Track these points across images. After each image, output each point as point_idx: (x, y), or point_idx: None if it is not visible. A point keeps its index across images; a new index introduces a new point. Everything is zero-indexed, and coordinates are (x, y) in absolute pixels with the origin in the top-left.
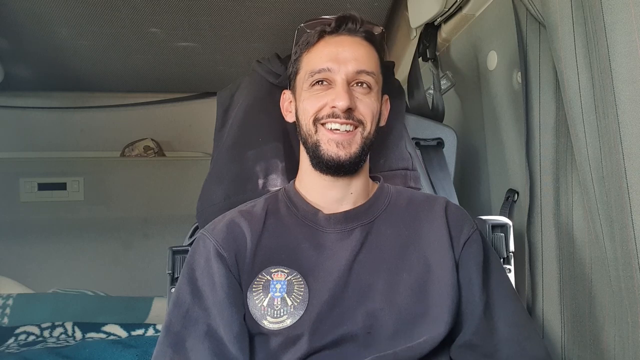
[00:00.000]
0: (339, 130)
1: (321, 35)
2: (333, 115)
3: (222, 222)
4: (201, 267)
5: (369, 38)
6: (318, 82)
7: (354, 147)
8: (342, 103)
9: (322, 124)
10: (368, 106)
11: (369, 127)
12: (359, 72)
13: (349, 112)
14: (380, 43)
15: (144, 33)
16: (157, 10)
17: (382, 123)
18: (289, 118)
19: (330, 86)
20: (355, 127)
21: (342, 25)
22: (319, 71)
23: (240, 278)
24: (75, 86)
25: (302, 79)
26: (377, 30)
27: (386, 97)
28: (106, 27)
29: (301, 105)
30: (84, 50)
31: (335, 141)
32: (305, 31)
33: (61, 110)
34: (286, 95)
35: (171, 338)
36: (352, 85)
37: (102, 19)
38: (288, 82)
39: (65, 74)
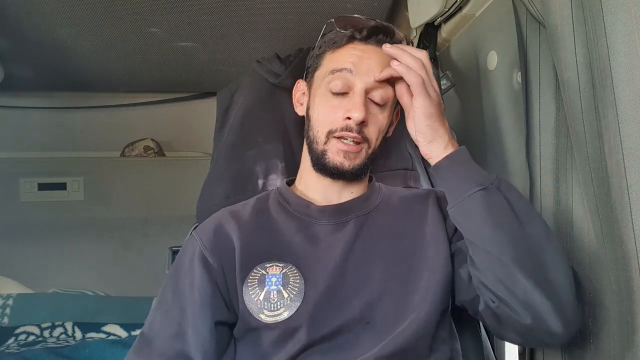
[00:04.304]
0: (347, 141)
1: (350, 39)
2: (347, 129)
3: (210, 224)
4: (185, 268)
5: None
6: (336, 92)
7: (358, 160)
8: (357, 115)
9: (334, 137)
10: (377, 124)
11: (374, 144)
12: (380, 85)
13: (361, 125)
14: None
15: (144, 33)
16: (157, 10)
17: (389, 134)
18: (300, 110)
19: (347, 94)
20: (361, 144)
21: (373, 35)
22: (340, 70)
23: (227, 282)
24: (75, 86)
25: (322, 76)
26: (405, 43)
27: (398, 109)
28: (106, 27)
29: (315, 109)
30: (84, 50)
31: (344, 152)
32: (334, 27)
33: (61, 110)
34: (300, 85)
35: (148, 333)
36: (369, 97)
37: (102, 19)
38: (305, 74)
39: (65, 74)
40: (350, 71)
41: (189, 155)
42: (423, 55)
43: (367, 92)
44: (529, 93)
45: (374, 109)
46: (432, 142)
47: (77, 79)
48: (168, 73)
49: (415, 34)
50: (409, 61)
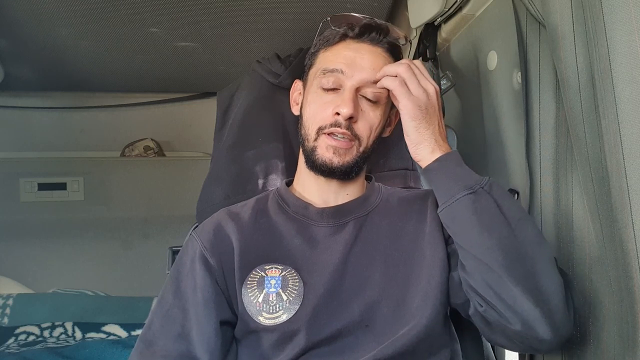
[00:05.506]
0: (337, 137)
1: (343, 37)
2: (336, 124)
3: (210, 224)
4: (186, 269)
5: (392, 50)
6: (328, 88)
7: (348, 157)
8: (345, 110)
9: (324, 133)
10: (368, 121)
11: (366, 142)
12: (372, 83)
13: (350, 121)
14: (401, 53)
15: (144, 33)
16: (157, 10)
17: (387, 134)
18: (295, 110)
19: (338, 91)
20: (352, 141)
21: (365, 33)
22: (332, 70)
23: (227, 282)
24: (75, 86)
25: (314, 75)
26: (403, 41)
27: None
28: (106, 27)
29: (307, 106)
30: (84, 50)
31: (333, 147)
32: (330, 26)
33: (61, 110)
34: (297, 85)
35: (149, 335)
36: (361, 94)
37: (102, 19)
38: (302, 73)
39: (65, 74)
40: (342, 72)
41: (189, 155)
42: (408, 60)
43: (358, 89)
44: (529, 93)
45: (366, 106)
46: (418, 144)
47: (77, 79)
48: (168, 73)
49: (415, 34)
50: (392, 70)
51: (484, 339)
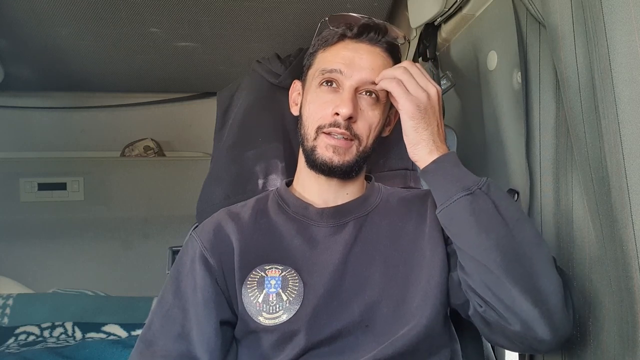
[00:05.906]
0: (336, 136)
1: (341, 37)
2: (335, 124)
3: (210, 224)
4: (186, 269)
5: (390, 50)
6: (327, 82)
7: (348, 157)
8: (345, 110)
9: (323, 132)
10: (367, 120)
11: (365, 141)
12: (371, 83)
13: (349, 121)
14: (399, 53)
15: (144, 33)
16: (157, 10)
17: (386, 133)
18: (294, 110)
19: (338, 90)
20: (351, 140)
21: (364, 33)
22: (330, 71)
23: (227, 282)
24: (75, 86)
25: (313, 75)
26: (401, 40)
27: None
28: (106, 27)
29: (307, 106)
30: (84, 50)
31: (333, 146)
32: (328, 26)
33: (61, 110)
34: (296, 85)
35: (149, 335)
36: (360, 93)
37: (102, 19)
38: (301, 73)
39: (65, 74)
40: (341, 72)
41: (189, 155)
42: (406, 63)
43: (357, 89)
44: (529, 93)
45: (365, 105)
46: (416, 145)
47: (77, 79)
48: (168, 73)
49: (415, 34)
50: (390, 73)
51: (484, 339)
